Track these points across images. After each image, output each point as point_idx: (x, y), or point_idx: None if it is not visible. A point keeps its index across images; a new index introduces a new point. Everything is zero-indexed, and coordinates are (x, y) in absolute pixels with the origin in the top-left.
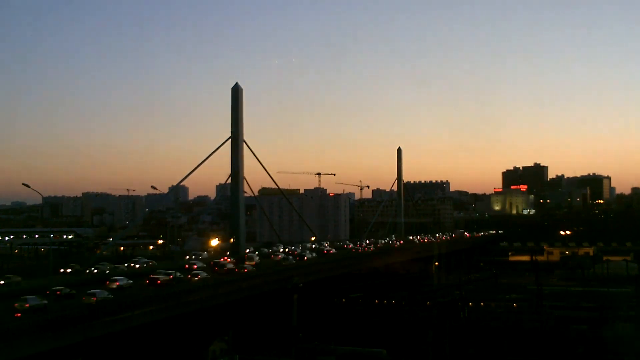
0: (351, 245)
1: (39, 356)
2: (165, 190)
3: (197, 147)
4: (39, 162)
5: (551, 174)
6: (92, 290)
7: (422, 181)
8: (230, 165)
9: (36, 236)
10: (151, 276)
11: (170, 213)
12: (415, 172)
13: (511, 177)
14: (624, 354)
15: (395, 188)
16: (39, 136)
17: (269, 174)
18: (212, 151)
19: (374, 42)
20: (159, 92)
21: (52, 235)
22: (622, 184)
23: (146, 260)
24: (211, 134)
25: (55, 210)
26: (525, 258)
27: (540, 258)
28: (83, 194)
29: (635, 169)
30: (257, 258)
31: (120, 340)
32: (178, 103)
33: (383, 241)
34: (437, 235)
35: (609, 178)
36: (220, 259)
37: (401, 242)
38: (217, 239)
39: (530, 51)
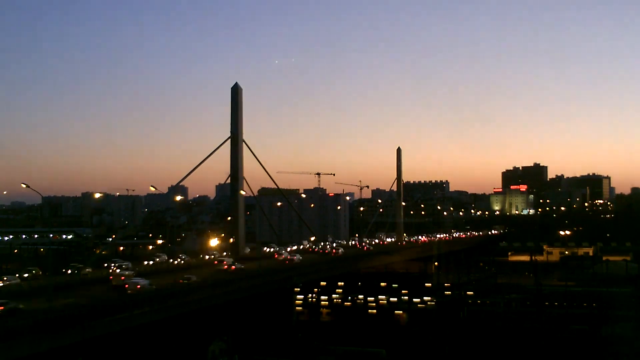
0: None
1: (38, 356)
2: (165, 190)
3: (197, 147)
4: (39, 162)
5: (551, 174)
6: None
7: (422, 181)
8: (230, 165)
9: (35, 236)
10: None
11: (169, 213)
12: (415, 172)
13: (511, 177)
14: (623, 354)
15: (394, 188)
16: (39, 136)
17: (268, 174)
18: (212, 151)
19: (374, 42)
20: (159, 91)
21: (51, 235)
22: (621, 184)
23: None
24: (211, 134)
25: (54, 210)
26: (525, 258)
27: (539, 258)
28: (83, 194)
29: (635, 169)
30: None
31: (120, 340)
32: (178, 103)
33: (392, 240)
34: (436, 235)
35: (608, 178)
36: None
37: (405, 241)
38: (216, 238)
39: (530, 51)
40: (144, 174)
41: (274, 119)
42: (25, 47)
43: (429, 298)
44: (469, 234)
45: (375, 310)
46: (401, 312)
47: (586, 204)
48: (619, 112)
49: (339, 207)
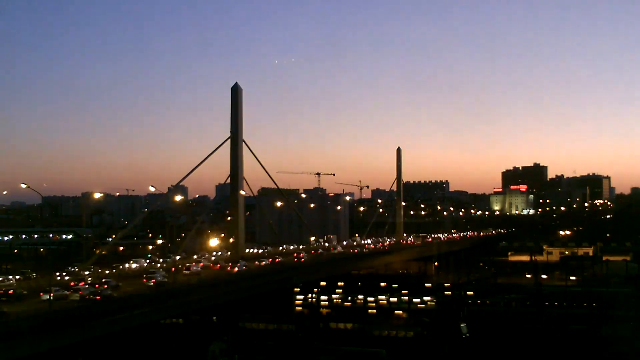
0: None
1: (38, 356)
2: (165, 190)
3: (197, 147)
4: (39, 162)
5: (551, 174)
6: None
7: (422, 181)
8: (230, 165)
9: (35, 236)
10: None
11: (169, 213)
12: (415, 172)
13: (511, 177)
14: (623, 354)
15: (394, 188)
16: (39, 136)
17: (268, 174)
18: (212, 151)
19: (374, 42)
20: (159, 92)
21: (51, 235)
22: (621, 184)
23: None
24: (211, 133)
25: (54, 210)
26: (525, 258)
27: (539, 258)
28: (83, 194)
29: (635, 169)
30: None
31: (120, 340)
32: (178, 103)
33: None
34: (436, 235)
35: (608, 178)
36: None
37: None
38: (216, 238)
39: (530, 51)
40: (144, 174)
41: (274, 119)
42: (24, 47)
43: (429, 298)
44: (469, 233)
45: (375, 310)
46: (401, 312)
47: (586, 204)
48: (619, 112)
49: (339, 207)
